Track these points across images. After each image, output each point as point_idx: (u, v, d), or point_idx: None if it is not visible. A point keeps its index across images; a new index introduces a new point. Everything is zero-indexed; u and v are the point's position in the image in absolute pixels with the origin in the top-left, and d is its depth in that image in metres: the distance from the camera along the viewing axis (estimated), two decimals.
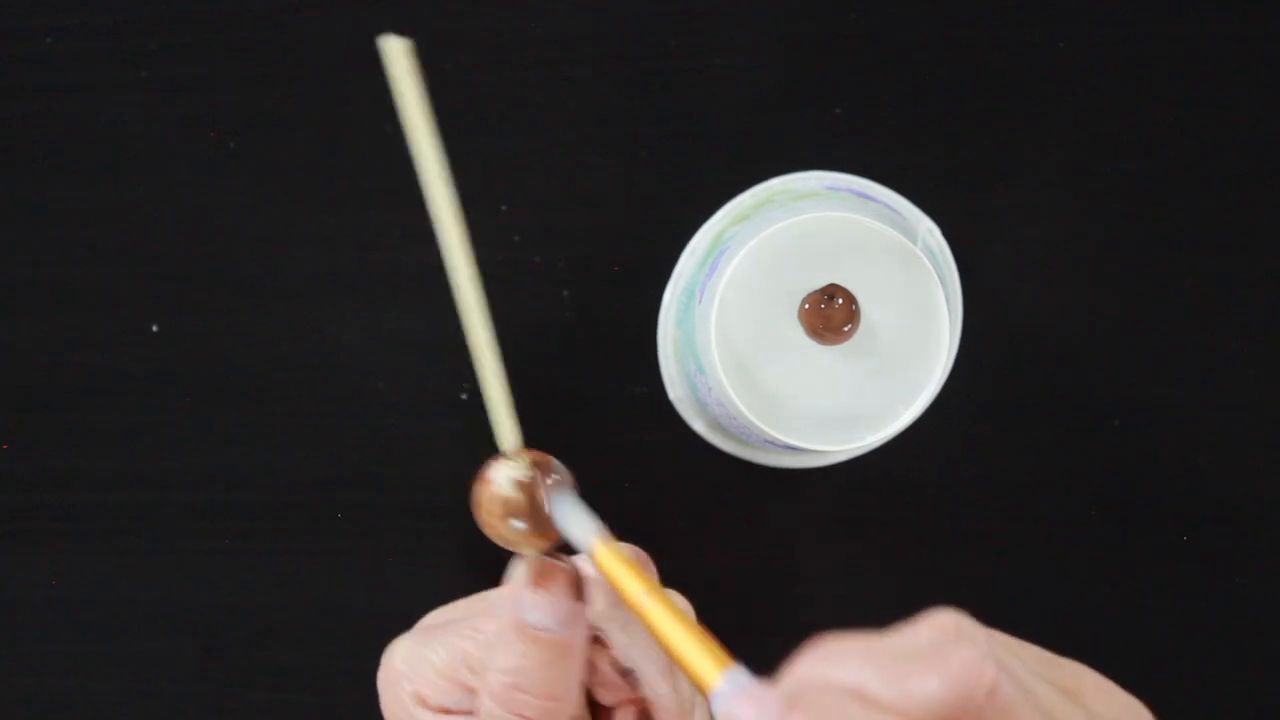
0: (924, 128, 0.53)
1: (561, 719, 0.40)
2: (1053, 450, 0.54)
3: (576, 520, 0.39)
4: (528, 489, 0.40)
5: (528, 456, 0.41)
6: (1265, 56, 0.53)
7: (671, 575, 0.53)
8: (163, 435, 0.54)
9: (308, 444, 0.54)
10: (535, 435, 0.54)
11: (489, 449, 0.42)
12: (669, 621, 0.34)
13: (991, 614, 0.34)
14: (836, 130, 0.53)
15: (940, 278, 0.46)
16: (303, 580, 0.54)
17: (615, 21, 0.53)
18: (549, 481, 0.40)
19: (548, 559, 0.40)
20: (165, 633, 0.55)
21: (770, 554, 0.55)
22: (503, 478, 0.40)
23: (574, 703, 0.40)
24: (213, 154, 0.53)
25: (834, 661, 0.30)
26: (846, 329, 0.46)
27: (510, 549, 0.41)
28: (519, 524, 0.40)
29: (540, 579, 0.40)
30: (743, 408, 0.46)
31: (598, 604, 0.42)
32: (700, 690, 0.32)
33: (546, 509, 0.40)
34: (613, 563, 0.37)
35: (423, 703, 0.42)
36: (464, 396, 0.54)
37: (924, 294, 0.46)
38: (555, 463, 0.41)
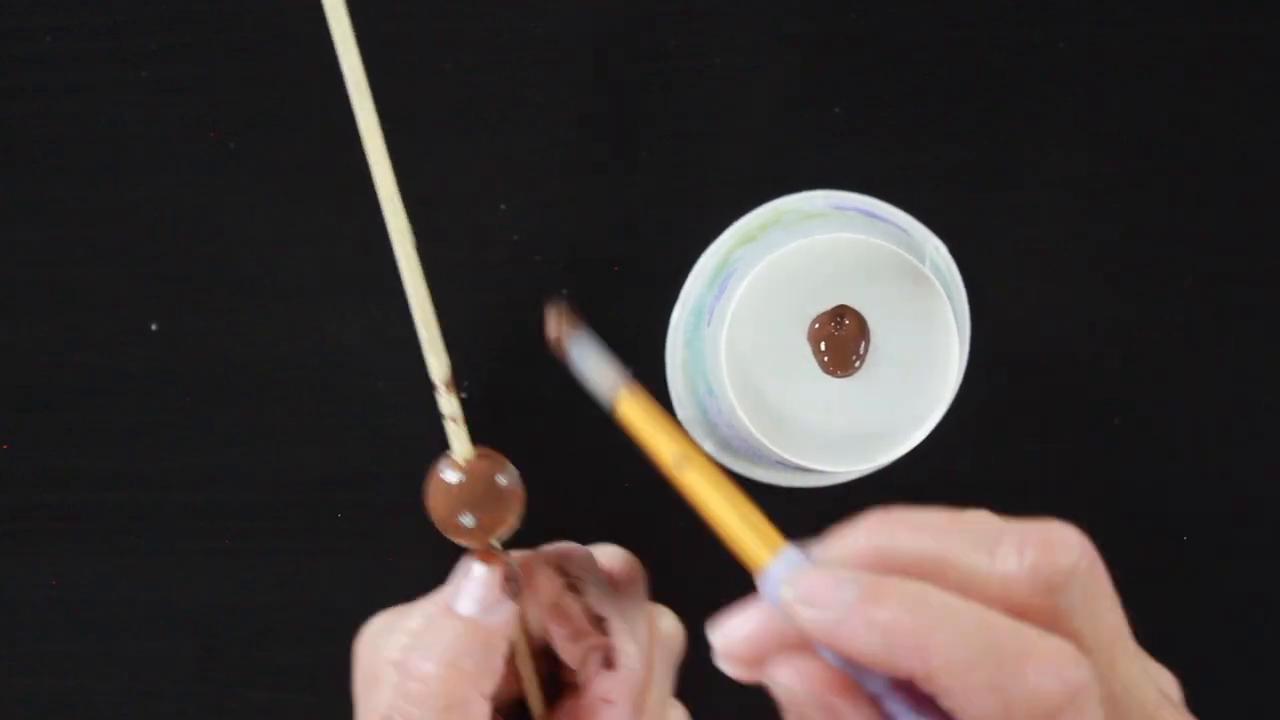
0: (924, 128, 0.53)
1: (464, 693, 0.39)
2: (1052, 449, 0.54)
3: (596, 368, 0.33)
4: (476, 484, 0.41)
5: (480, 453, 0.41)
6: (1265, 56, 0.53)
7: (672, 576, 0.54)
8: (163, 435, 0.54)
9: (308, 444, 0.54)
10: (535, 434, 0.54)
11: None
12: (709, 494, 0.30)
13: None
14: (836, 130, 0.53)
15: (949, 296, 0.46)
16: (303, 580, 0.54)
17: (615, 21, 0.53)
18: (566, 331, 0.35)
19: (488, 553, 0.41)
20: (165, 633, 0.55)
21: None
22: (453, 473, 0.41)
23: (481, 689, 0.39)
24: (213, 154, 0.53)
25: (912, 529, 0.27)
26: (855, 362, 0.46)
27: (459, 542, 0.41)
28: (466, 518, 0.41)
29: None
30: (754, 430, 0.46)
31: (550, 588, 0.43)
32: (751, 570, 0.29)
33: (565, 352, 0.34)
34: (639, 419, 0.32)
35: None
36: (464, 396, 0.54)
37: (932, 313, 0.46)
38: (508, 464, 0.42)
